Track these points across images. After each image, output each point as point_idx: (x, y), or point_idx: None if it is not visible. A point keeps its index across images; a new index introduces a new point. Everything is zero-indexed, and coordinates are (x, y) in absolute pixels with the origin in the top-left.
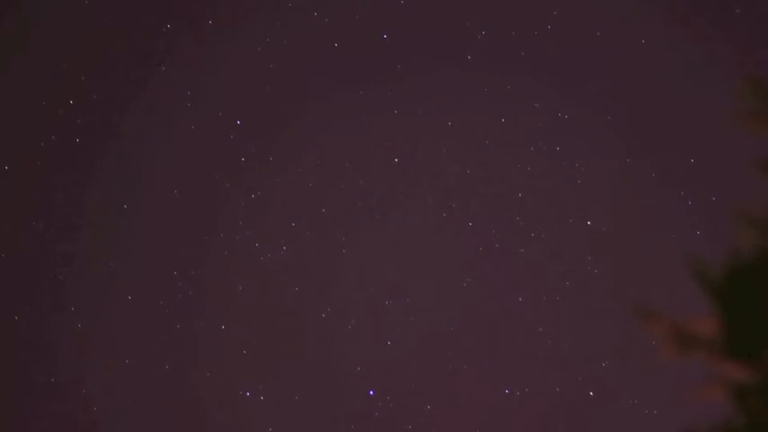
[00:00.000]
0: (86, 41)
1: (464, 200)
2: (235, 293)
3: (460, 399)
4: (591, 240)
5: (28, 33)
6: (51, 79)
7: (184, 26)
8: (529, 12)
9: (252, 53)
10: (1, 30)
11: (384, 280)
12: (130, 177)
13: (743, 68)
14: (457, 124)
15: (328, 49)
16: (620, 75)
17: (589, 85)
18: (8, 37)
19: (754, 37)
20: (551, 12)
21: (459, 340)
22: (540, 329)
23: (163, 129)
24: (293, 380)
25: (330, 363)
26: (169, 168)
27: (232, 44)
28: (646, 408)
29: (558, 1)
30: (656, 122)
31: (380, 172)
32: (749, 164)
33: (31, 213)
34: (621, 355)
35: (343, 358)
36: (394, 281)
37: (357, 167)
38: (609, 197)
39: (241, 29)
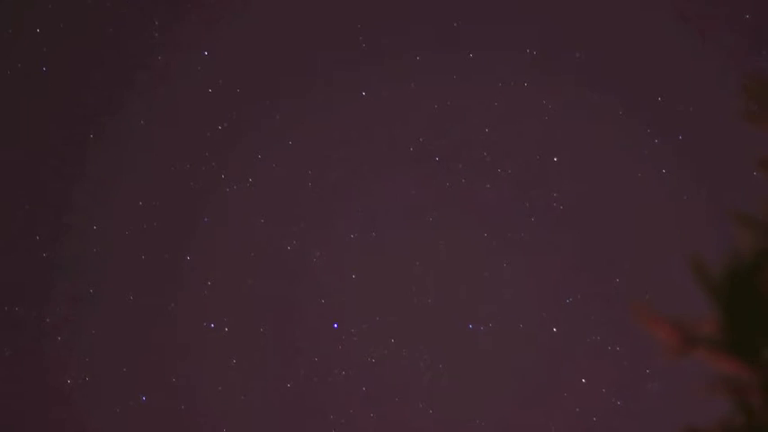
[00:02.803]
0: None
1: (431, 134)
2: (199, 225)
3: (424, 333)
4: (557, 177)
5: None
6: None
7: None
8: None
9: None
10: None
11: (349, 213)
12: (96, 106)
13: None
14: (424, 59)
15: None
16: (590, 12)
17: (559, 21)
18: None
19: None
20: None
21: (424, 275)
22: (505, 265)
23: (129, 61)
24: (257, 312)
25: (294, 295)
26: (135, 99)
27: None
28: (608, 344)
29: None
30: (625, 60)
31: (347, 106)
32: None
33: None
34: (585, 292)
35: (307, 291)
36: (360, 214)
37: (325, 101)
38: (576, 134)
39: None
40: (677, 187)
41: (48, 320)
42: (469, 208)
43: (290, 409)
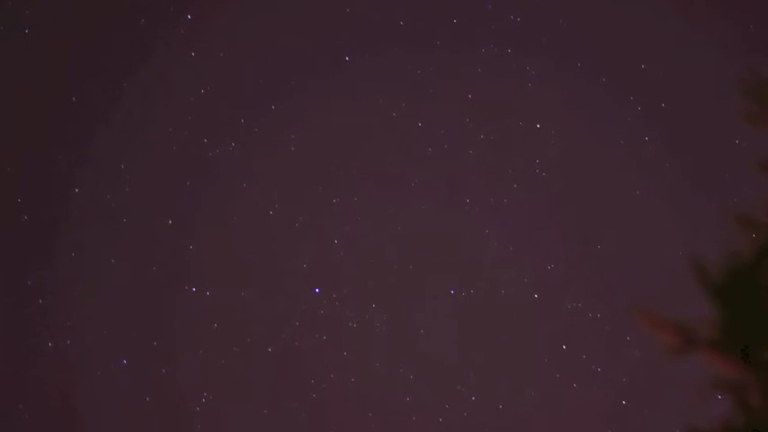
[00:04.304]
0: None
1: (413, 100)
2: (181, 188)
3: (405, 298)
4: (540, 143)
5: None
6: None
7: None
8: None
9: None
10: None
11: (332, 178)
12: (76, 71)
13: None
14: (408, 25)
15: None
16: None
17: None
18: None
19: None
20: None
21: (406, 240)
22: (487, 231)
23: (111, 24)
24: (239, 276)
25: (276, 260)
26: (116, 63)
27: None
28: (589, 311)
29: None
30: (608, 28)
31: (330, 71)
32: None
33: None
34: (566, 259)
35: (289, 256)
36: (342, 179)
37: (307, 66)
38: (559, 100)
39: None
40: (659, 154)
41: (29, 283)
42: (451, 174)
43: (270, 373)
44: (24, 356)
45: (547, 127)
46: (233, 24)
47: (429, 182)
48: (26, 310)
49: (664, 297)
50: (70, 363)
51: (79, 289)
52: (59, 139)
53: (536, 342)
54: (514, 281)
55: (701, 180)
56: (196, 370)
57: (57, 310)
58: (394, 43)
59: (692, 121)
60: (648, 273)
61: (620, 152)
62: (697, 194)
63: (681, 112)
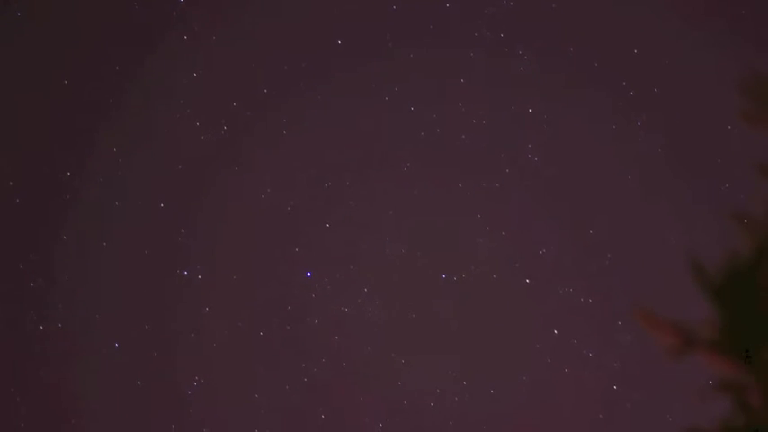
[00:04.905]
0: None
1: (406, 84)
2: (173, 172)
3: (397, 283)
4: (532, 128)
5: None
6: None
7: None
8: None
9: None
10: None
11: (324, 162)
12: (69, 55)
13: None
14: (401, 9)
15: None
16: None
17: None
18: None
19: None
20: None
21: (398, 225)
22: (479, 216)
23: (104, 8)
24: (230, 260)
25: (268, 244)
26: (108, 46)
27: None
28: (581, 296)
29: None
30: (601, 11)
31: (323, 53)
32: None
33: None
34: (558, 243)
35: (281, 239)
36: (334, 163)
37: (299, 47)
38: (551, 85)
39: None
40: (652, 140)
41: (21, 267)
42: (444, 158)
43: (262, 357)
44: (15, 340)
45: (539, 112)
46: (225, 8)
47: (421, 166)
48: (17, 295)
49: (656, 282)
50: (62, 346)
51: (71, 272)
52: (51, 124)
53: (528, 327)
54: (506, 265)
55: (693, 165)
56: (188, 354)
57: (48, 294)
58: (386, 27)
59: (684, 106)
60: (640, 258)
61: (613, 137)
62: (689, 179)
63: (674, 98)
